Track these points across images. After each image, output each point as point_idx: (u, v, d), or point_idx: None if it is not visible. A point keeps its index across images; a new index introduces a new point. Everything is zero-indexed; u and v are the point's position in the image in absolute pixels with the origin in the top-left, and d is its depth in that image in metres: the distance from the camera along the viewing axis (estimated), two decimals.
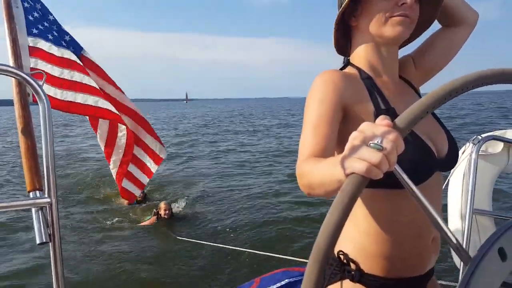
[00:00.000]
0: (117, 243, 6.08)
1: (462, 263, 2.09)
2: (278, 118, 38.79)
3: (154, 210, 6.98)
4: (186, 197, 8.83)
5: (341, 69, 1.22)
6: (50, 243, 1.14)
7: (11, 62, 1.52)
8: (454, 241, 0.65)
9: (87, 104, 2.69)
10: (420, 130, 1.07)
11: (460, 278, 2.03)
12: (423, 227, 1.08)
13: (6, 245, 6.10)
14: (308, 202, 7.65)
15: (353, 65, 1.18)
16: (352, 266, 1.09)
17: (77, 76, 2.60)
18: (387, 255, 1.07)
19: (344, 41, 1.22)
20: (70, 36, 2.73)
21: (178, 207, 8.07)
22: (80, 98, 2.63)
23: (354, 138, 0.63)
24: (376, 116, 1.04)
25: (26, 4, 2.28)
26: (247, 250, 5.29)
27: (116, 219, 7.36)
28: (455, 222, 2.28)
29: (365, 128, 0.63)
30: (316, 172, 0.85)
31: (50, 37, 2.46)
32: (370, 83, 1.12)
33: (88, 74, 2.69)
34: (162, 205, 6.90)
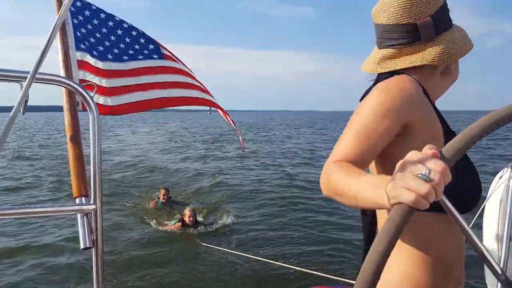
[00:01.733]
0: (144, 247, 6.21)
1: None
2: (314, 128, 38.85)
3: (179, 216, 7.09)
4: (213, 205, 8.92)
5: (377, 80, 1.17)
6: (93, 249, 1.17)
7: (62, 73, 1.60)
8: (499, 271, 0.64)
9: (142, 100, 2.81)
10: None
11: None
12: (459, 254, 1.07)
13: (50, 248, 6.28)
14: (347, 222, 7.55)
15: (411, 76, 1.11)
16: None
17: (128, 81, 2.74)
18: (435, 281, 1.05)
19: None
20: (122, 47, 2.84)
21: (203, 213, 8.17)
22: (134, 97, 2.76)
23: (402, 166, 0.63)
24: (445, 135, 1.04)
25: (75, 21, 2.41)
26: (274, 262, 5.24)
27: (143, 223, 7.53)
28: (491, 248, 2.21)
29: (413, 157, 0.63)
30: (350, 184, 0.83)
31: (95, 53, 2.59)
32: (431, 102, 1.10)
33: (147, 74, 2.84)
34: (187, 211, 7.02)
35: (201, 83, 3.20)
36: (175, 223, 7.00)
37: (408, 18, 1.08)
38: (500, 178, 2.23)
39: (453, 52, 1.08)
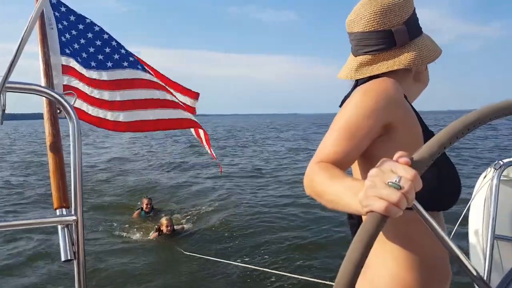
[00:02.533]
0: (126, 258, 6.11)
1: None
2: (296, 131, 38.89)
3: (156, 226, 7.03)
4: (192, 212, 8.83)
5: (355, 85, 1.20)
6: (74, 261, 1.15)
7: (43, 82, 1.57)
8: (475, 273, 0.65)
9: (118, 121, 2.81)
10: None
11: None
12: (445, 252, 1.08)
13: (31, 261, 6.15)
14: (321, 220, 7.59)
15: (393, 79, 1.12)
16: None
17: (107, 95, 2.73)
18: (423, 281, 1.05)
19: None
20: (104, 56, 2.83)
21: (182, 221, 8.10)
22: (110, 115, 2.76)
23: (373, 175, 0.64)
24: (424, 136, 1.06)
25: (60, 26, 2.38)
26: (253, 266, 5.24)
27: (124, 232, 7.44)
28: (476, 248, 2.24)
29: (384, 165, 0.64)
30: (331, 188, 0.84)
31: (79, 59, 2.57)
32: (410, 104, 1.12)
33: (125, 88, 2.82)
34: (164, 221, 6.95)
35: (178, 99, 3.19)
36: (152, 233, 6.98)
37: (384, 25, 1.11)
38: (484, 178, 2.26)
39: (426, 56, 1.12)
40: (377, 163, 1.03)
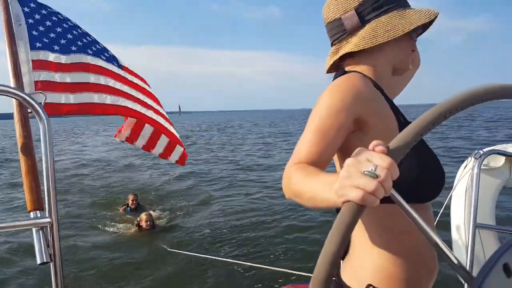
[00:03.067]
0: (105, 256, 6.05)
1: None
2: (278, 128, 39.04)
3: (136, 221, 7.01)
4: (175, 208, 8.81)
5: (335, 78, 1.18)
6: (51, 263, 1.13)
7: (12, 82, 1.53)
8: (455, 261, 0.64)
9: (106, 103, 2.74)
10: None
11: None
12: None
13: (7, 265, 6.02)
14: (296, 211, 7.66)
15: (360, 73, 1.13)
16: None
17: (93, 78, 2.65)
18: (405, 276, 1.05)
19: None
20: (86, 40, 2.76)
21: (166, 217, 8.07)
22: (97, 97, 2.68)
23: (348, 165, 0.63)
24: (400, 129, 1.04)
25: (31, 20, 2.31)
26: (235, 261, 5.25)
27: (109, 228, 7.40)
28: (458, 237, 2.26)
29: (360, 154, 0.63)
30: (308, 186, 0.84)
31: (56, 47, 2.48)
32: (384, 95, 1.11)
33: (106, 75, 2.76)
34: (143, 216, 6.93)
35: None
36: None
37: (334, 14, 1.16)
38: (465, 167, 2.28)
39: (379, 34, 1.10)
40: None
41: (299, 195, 0.86)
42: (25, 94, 1.09)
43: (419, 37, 1.24)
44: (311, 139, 0.97)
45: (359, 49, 1.11)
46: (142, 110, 3.01)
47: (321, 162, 0.95)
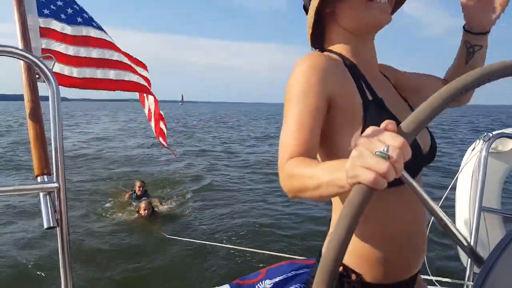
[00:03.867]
0: (105, 237, 6.10)
1: (469, 262, 2.07)
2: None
3: (138, 210, 7.05)
4: (178, 195, 8.80)
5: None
6: (57, 228, 1.13)
7: (20, 45, 1.50)
8: (466, 244, 0.63)
9: (108, 79, 2.72)
10: None
11: (467, 277, 2.01)
12: (418, 223, 1.04)
13: (14, 228, 6.17)
14: (300, 201, 7.66)
15: (333, 52, 1.09)
16: (353, 276, 1.03)
17: (95, 53, 2.63)
18: (387, 258, 1.02)
19: (318, 31, 1.13)
20: (88, 15, 2.73)
21: (168, 203, 8.08)
22: (99, 73, 2.66)
23: (360, 144, 0.60)
24: (364, 107, 0.98)
25: None
26: (233, 246, 5.26)
27: (112, 213, 7.41)
28: (463, 219, 2.26)
29: (370, 133, 0.60)
30: (312, 175, 0.80)
31: (63, 16, 2.45)
32: (354, 71, 1.04)
33: (110, 48, 2.73)
34: (142, 204, 6.99)
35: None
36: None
37: None
38: (472, 150, 2.26)
39: (312, 4, 1.06)
40: (333, 141, 0.99)
41: (304, 189, 0.83)
42: (35, 57, 1.07)
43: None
44: (290, 131, 0.93)
45: (309, 29, 1.08)
46: (143, 82, 3.00)
47: (310, 151, 0.91)
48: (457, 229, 0.64)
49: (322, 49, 1.14)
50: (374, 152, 0.58)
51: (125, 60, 2.83)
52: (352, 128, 0.96)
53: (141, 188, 8.17)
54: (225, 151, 16.56)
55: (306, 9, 1.12)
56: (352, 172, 0.59)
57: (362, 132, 0.94)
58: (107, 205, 7.96)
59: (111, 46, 2.74)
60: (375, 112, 0.97)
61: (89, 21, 2.63)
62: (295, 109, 0.94)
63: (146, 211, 6.84)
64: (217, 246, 5.36)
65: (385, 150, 0.57)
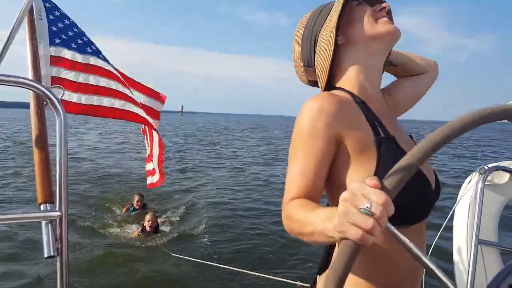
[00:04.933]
0: (106, 256, 6.03)
1: None
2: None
3: (142, 222, 6.90)
4: (182, 210, 8.73)
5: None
6: (57, 257, 1.13)
7: (30, 74, 1.54)
8: None
9: (114, 107, 2.82)
10: None
11: None
12: (417, 269, 1.05)
13: (14, 256, 6.08)
14: None
15: (342, 89, 1.12)
16: None
17: (103, 81, 2.76)
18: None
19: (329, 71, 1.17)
20: (96, 47, 2.82)
21: (170, 219, 8.00)
22: (106, 101, 2.78)
23: (345, 199, 0.63)
24: (377, 144, 1.00)
25: (51, 16, 2.35)
26: (236, 269, 5.20)
27: (112, 228, 7.33)
28: (460, 253, 2.26)
29: (355, 190, 0.63)
30: (307, 222, 0.82)
31: (73, 45, 2.54)
32: (365, 108, 1.07)
33: (115, 79, 2.82)
34: (147, 216, 6.81)
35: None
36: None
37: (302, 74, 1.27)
38: (469, 182, 2.28)
39: (322, 58, 1.13)
40: (339, 175, 1.01)
41: (301, 233, 0.86)
42: (45, 87, 1.10)
43: None
44: (296, 171, 0.96)
45: (324, 72, 1.13)
46: (144, 114, 3.07)
47: (313, 193, 0.94)
48: (445, 276, 0.65)
49: (331, 87, 1.17)
50: (359, 208, 0.61)
51: (127, 92, 2.91)
52: (364, 164, 0.99)
53: (139, 202, 8.09)
54: (232, 167, 16.52)
55: (307, 61, 1.18)
56: (340, 227, 0.63)
57: (377, 168, 0.96)
58: (105, 220, 7.87)
59: (115, 78, 2.82)
60: (388, 148, 1.00)
61: (97, 53, 2.72)
62: (301, 151, 0.97)
63: (150, 223, 6.64)
64: (224, 269, 5.28)
65: (369, 207, 0.60)
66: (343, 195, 0.64)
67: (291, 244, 6.53)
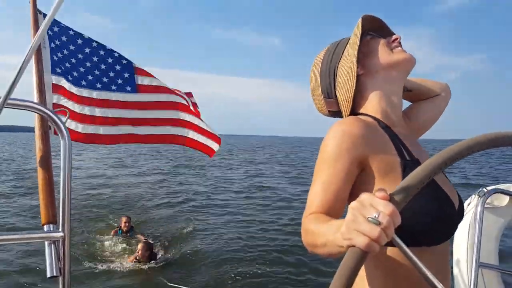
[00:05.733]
0: (101, 283, 5.94)
1: None
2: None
3: (137, 252, 6.82)
4: (175, 235, 8.62)
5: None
6: (60, 277, 1.15)
7: (35, 98, 1.59)
8: None
9: (111, 134, 2.92)
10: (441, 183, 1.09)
11: None
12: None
13: (15, 276, 6.06)
14: (302, 248, 7.49)
15: (366, 115, 1.18)
16: None
17: (98, 111, 2.82)
18: None
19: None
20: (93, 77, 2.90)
21: (163, 244, 7.89)
22: (102, 130, 2.88)
23: (354, 208, 0.66)
24: (403, 167, 1.04)
25: (52, 45, 2.44)
26: None
27: (101, 253, 7.24)
28: (460, 275, 2.25)
29: (364, 199, 0.66)
30: (320, 233, 0.85)
31: (69, 78, 2.64)
32: (390, 133, 1.13)
33: (113, 107, 2.90)
34: (140, 246, 6.72)
35: (191, 112, 3.23)
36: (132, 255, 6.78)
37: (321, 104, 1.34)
38: (468, 205, 2.29)
39: (345, 90, 1.20)
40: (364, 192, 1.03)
41: (314, 245, 0.88)
42: (50, 110, 1.13)
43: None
44: (317, 189, 1.00)
45: (348, 101, 1.20)
46: (151, 131, 3.11)
47: (333, 211, 0.96)
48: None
49: (355, 114, 1.24)
50: (366, 217, 0.63)
51: (124, 114, 2.97)
52: (388, 186, 1.02)
53: (127, 224, 7.99)
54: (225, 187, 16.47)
55: (327, 93, 1.25)
56: (348, 235, 0.65)
57: None
58: (94, 246, 7.69)
59: (113, 104, 2.91)
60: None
61: (93, 83, 2.81)
62: (325, 171, 1.01)
63: (141, 253, 6.55)
64: None
65: (377, 216, 0.62)
66: (352, 204, 0.67)
67: (295, 271, 6.47)
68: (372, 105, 1.19)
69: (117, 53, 2.90)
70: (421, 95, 1.39)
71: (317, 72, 1.26)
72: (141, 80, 3.00)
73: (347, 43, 1.21)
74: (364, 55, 1.20)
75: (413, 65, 1.20)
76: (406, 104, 1.40)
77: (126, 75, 2.95)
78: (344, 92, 1.19)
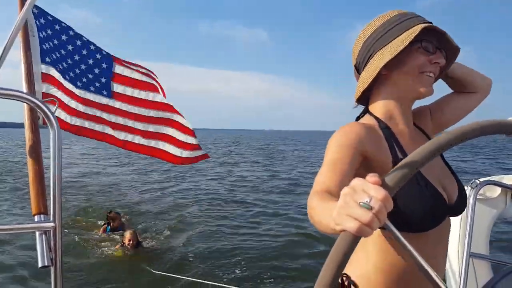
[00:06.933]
0: (90, 274, 5.95)
1: None
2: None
3: (122, 239, 6.83)
4: (162, 228, 8.61)
5: (357, 118, 1.30)
6: (51, 267, 1.14)
7: (24, 88, 1.56)
8: None
9: (95, 130, 2.96)
10: (432, 176, 1.12)
11: None
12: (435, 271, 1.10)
13: (7, 266, 6.04)
14: (289, 236, 7.56)
15: (371, 114, 1.23)
16: None
17: (81, 107, 2.87)
18: None
19: (366, 89, 1.24)
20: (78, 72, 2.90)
21: (150, 236, 7.91)
22: (87, 124, 2.92)
23: (345, 194, 0.66)
24: (394, 166, 1.05)
25: (41, 34, 2.41)
26: (226, 285, 5.12)
27: (90, 247, 7.20)
28: (452, 266, 2.27)
29: (356, 185, 0.65)
30: (318, 211, 0.86)
31: (60, 67, 2.61)
32: (388, 133, 1.17)
33: (92, 106, 2.93)
34: (127, 234, 6.73)
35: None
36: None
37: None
38: None
39: (363, 81, 1.21)
40: None
41: (313, 221, 0.90)
42: (40, 101, 1.12)
43: None
44: (324, 171, 1.03)
45: (362, 86, 1.21)
46: (128, 137, 3.11)
47: (338, 187, 0.98)
48: (441, 281, 0.67)
49: (366, 106, 1.29)
50: (358, 202, 0.62)
51: (103, 116, 2.99)
52: None
53: (116, 220, 7.97)
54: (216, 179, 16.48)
55: (357, 68, 1.26)
56: (339, 219, 0.65)
57: None
58: (83, 240, 7.63)
59: (93, 104, 2.92)
60: None
61: (74, 80, 2.82)
62: (331, 155, 1.06)
63: (131, 242, 6.56)
64: (206, 285, 5.20)
65: (368, 201, 0.62)
66: (344, 190, 0.66)
67: (280, 259, 6.52)
68: (380, 106, 1.22)
69: (100, 53, 2.89)
70: (461, 87, 1.36)
71: (359, 44, 1.25)
72: (116, 88, 3.04)
73: (395, 38, 1.15)
74: (398, 61, 1.16)
75: (425, 97, 1.21)
76: (438, 93, 1.36)
77: (103, 80, 2.98)
78: (364, 77, 1.21)
